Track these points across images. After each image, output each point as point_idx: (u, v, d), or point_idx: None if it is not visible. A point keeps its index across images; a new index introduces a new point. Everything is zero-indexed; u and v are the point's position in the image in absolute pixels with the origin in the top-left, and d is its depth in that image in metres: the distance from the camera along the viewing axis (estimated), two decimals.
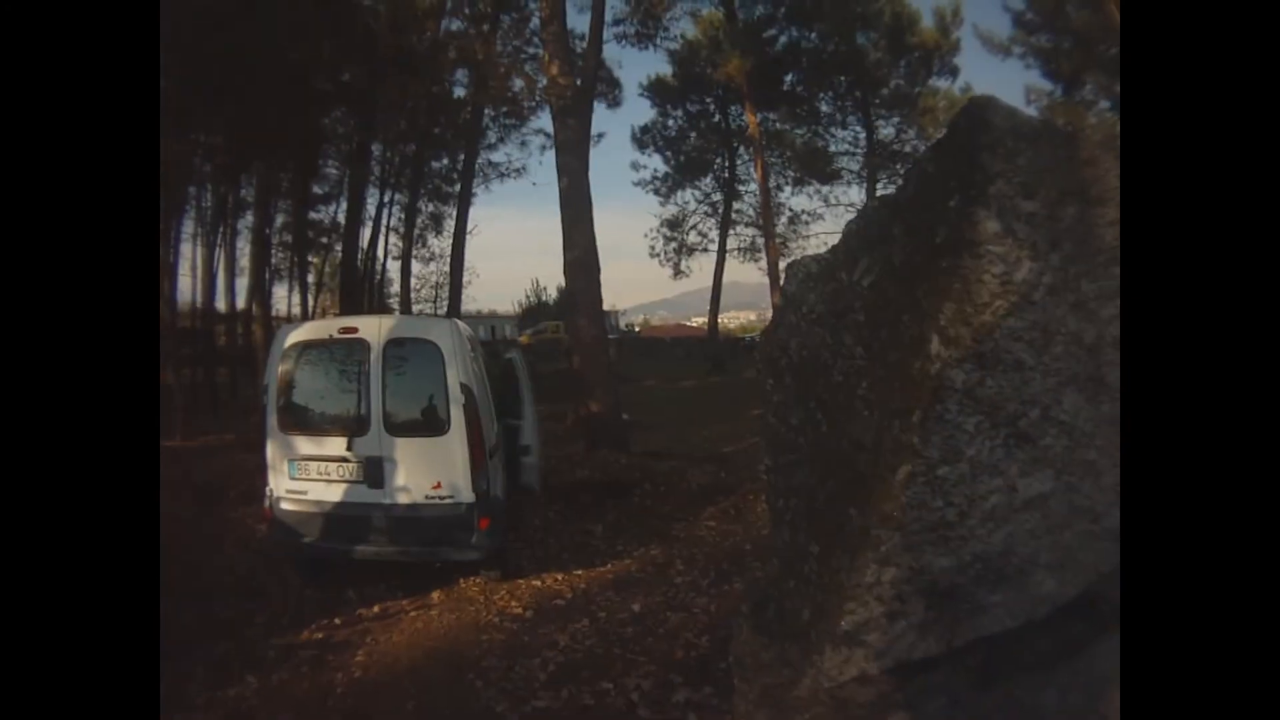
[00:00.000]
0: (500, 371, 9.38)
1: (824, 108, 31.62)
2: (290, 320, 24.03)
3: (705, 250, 33.91)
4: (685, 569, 7.37)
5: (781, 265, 29.07)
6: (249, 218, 25.16)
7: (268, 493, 7.73)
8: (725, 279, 33.78)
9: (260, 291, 23.52)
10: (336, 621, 6.90)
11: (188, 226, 23.78)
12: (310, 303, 27.85)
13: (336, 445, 7.58)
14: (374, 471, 7.40)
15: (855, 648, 2.88)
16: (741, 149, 32.68)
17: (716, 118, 32.79)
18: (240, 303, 25.70)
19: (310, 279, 27.80)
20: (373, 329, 7.68)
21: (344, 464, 7.51)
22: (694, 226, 33.34)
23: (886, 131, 32.67)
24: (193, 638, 6.33)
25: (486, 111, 27.55)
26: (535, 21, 22.17)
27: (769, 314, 30.93)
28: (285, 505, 7.72)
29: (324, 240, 27.80)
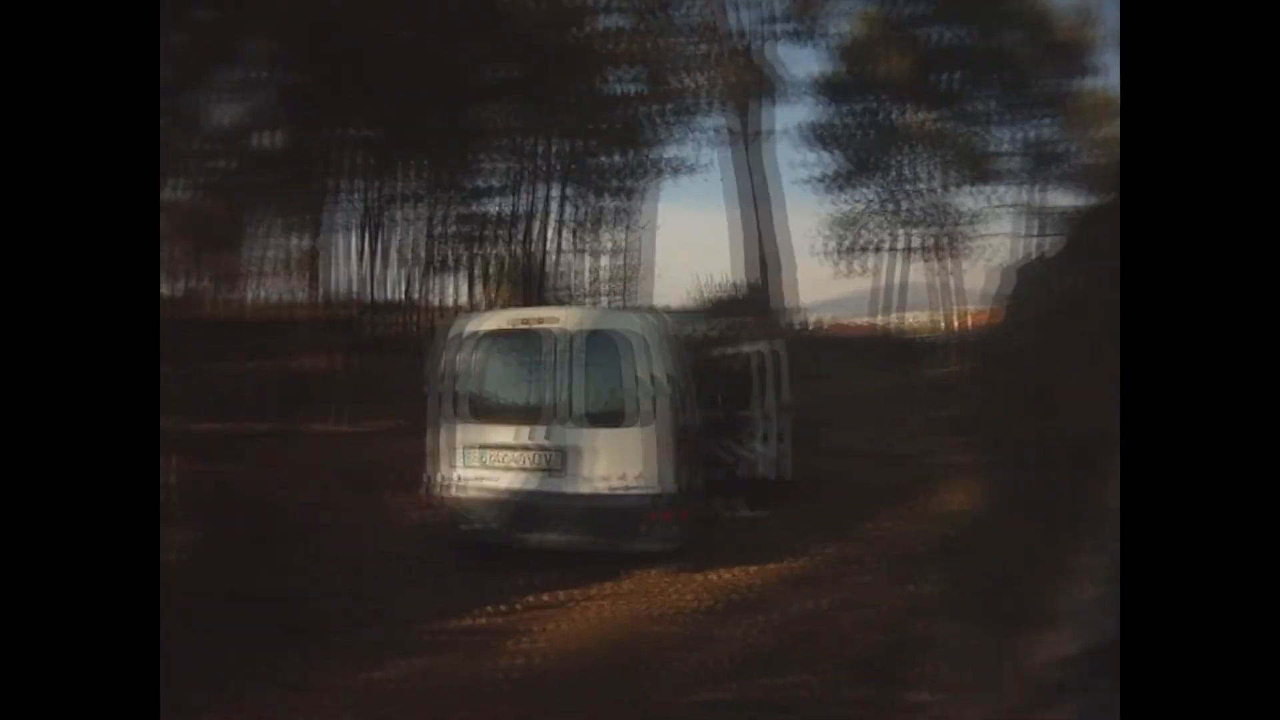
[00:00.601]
0: (757, 362, 9.46)
1: (981, 107, 30.79)
2: (458, 310, 24.88)
3: (876, 249, 33.48)
4: (863, 567, 7.24)
5: (951, 266, 28.59)
6: (413, 210, 26.22)
7: (438, 479, 7.88)
8: (896, 278, 33.32)
9: (421, 282, 24.49)
10: (505, 608, 6.87)
11: (343, 218, 25.01)
12: (476, 294, 28.72)
13: (523, 433, 7.66)
14: (561, 460, 7.55)
15: (1064, 630, 2.83)
16: (909, 147, 32.11)
17: (881, 115, 32.27)
18: (400, 293, 26.80)
19: (476, 271, 28.69)
20: (568, 319, 7.85)
21: (529, 452, 7.63)
22: (865, 225, 32.86)
23: (1042, 132, 31.62)
24: (340, 622, 6.51)
25: (657, 108, 27.89)
26: (697, 17, 22.54)
27: (939, 314, 30.34)
28: (459, 491, 7.82)
29: (490, 233, 28.60)
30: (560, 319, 7.93)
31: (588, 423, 7.58)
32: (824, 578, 7.11)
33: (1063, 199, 31.41)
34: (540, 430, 7.61)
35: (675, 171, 29.94)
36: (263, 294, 26.48)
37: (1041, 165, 30.52)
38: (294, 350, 19.70)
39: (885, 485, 9.62)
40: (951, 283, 27.52)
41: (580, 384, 7.62)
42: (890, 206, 31.65)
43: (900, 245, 32.36)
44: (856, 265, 32.52)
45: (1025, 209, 28.78)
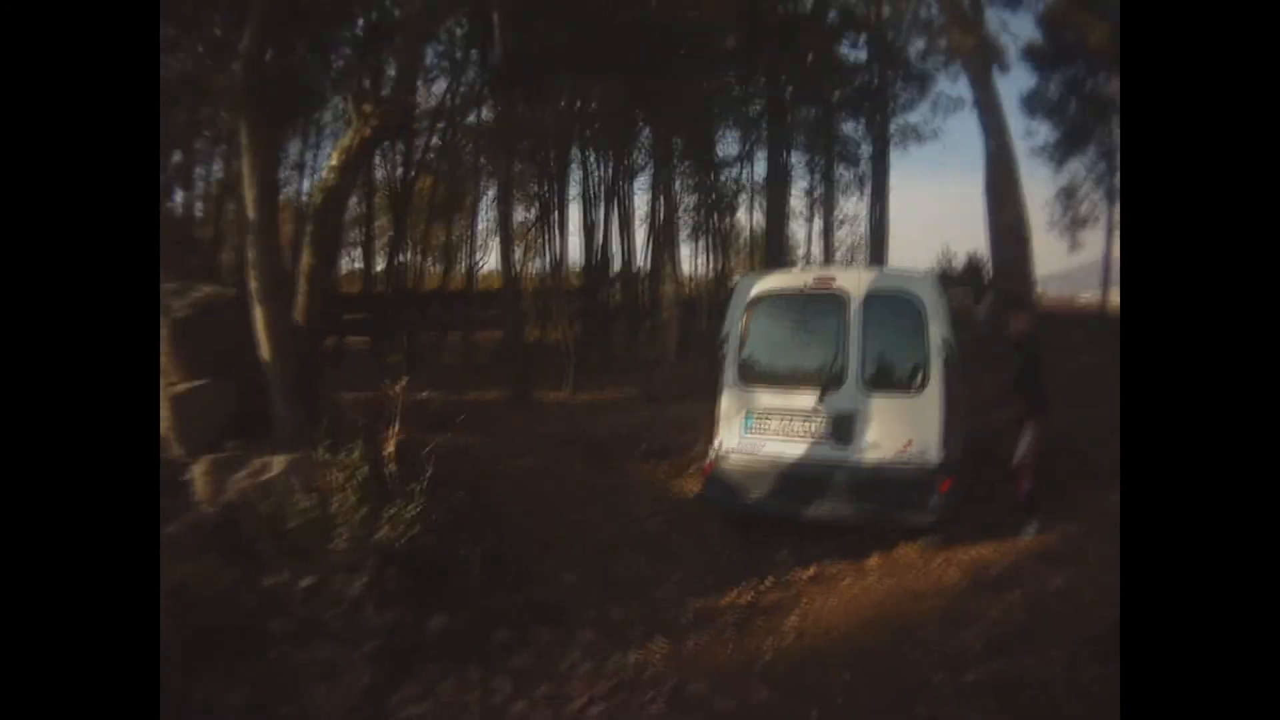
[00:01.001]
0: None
1: None
2: (685, 282, 26.06)
3: (1093, 222, 32.49)
4: (1097, 544, 7.18)
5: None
6: (645, 180, 28.01)
7: (714, 447, 7.94)
8: (1111, 254, 32.25)
9: (663, 251, 25.42)
10: (767, 584, 6.90)
11: (575, 189, 26.51)
12: (708, 263, 29.38)
13: (805, 399, 7.65)
14: (844, 428, 7.52)
15: None
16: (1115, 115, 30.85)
17: (1090, 84, 30.99)
18: (631, 263, 28.15)
19: (708, 240, 29.20)
20: (852, 281, 7.82)
21: (812, 419, 7.64)
22: (1086, 197, 31.64)
23: None
24: (582, 600, 6.46)
25: (889, 74, 27.77)
26: None
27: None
28: (733, 460, 7.82)
29: (723, 202, 29.30)
30: (840, 280, 7.83)
31: (872, 388, 7.52)
32: (1065, 554, 7.10)
33: None
34: (828, 396, 7.58)
35: (910, 139, 29.89)
36: (493, 265, 27.75)
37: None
38: (525, 320, 20.08)
39: (1114, 462, 9.38)
40: None
41: (868, 347, 7.57)
42: (1104, 178, 30.51)
43: (1115, 219, 31.26)
44: (1076, 238, 31.61)
45: None
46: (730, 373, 7.96)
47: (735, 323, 8.05)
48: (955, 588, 6.65)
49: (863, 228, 30.73)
